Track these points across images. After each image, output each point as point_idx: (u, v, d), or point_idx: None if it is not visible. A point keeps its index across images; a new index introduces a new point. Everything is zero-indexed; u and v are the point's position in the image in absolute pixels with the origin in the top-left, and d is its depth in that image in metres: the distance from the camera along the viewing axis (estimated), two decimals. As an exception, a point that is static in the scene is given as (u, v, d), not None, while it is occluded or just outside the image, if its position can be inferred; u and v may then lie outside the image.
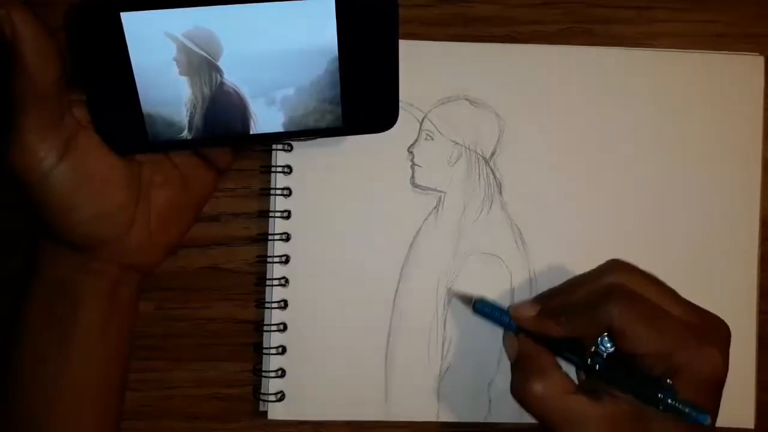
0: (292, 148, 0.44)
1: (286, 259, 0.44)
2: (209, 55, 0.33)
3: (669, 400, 0.35)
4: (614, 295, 0.38)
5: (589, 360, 0.38)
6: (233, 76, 0.34)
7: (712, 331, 0.38)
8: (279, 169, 0.44)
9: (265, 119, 0.35)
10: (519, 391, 0.39)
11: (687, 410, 0.35)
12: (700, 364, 0.36)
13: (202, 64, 0.33)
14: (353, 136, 0.44)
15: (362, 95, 0.36)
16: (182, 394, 0.45)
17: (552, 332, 0.39)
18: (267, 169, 0.45)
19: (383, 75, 0.36)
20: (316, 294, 0.45)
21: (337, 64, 0.34)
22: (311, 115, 0.35)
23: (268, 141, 0.36)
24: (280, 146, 0.44)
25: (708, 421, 0.35)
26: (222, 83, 0.34)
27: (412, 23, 0.46)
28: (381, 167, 0.45)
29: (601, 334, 0.38)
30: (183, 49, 0.33)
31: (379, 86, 0.36)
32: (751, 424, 0.45)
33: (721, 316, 0.39)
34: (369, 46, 0.35)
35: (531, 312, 0.41)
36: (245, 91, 0.34)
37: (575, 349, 0.39)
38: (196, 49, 0.33)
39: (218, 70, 0.34)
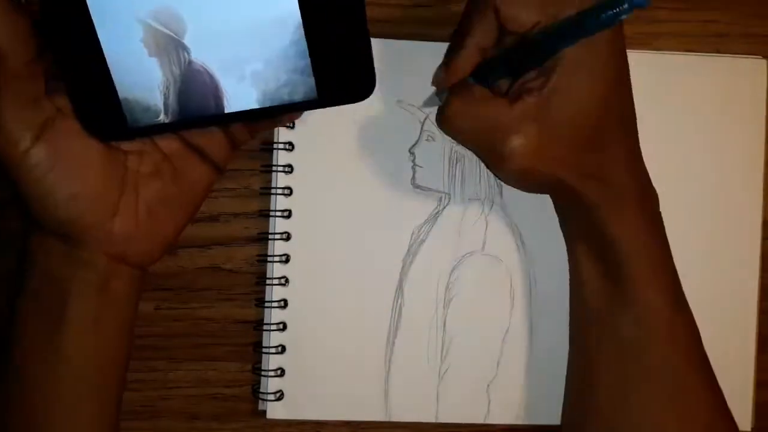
0: (293, 148, 0.44)
1: (286, 259, 0.44)
2: (174, 34, 0.33)
3: (603, 14, 0.33)
4: None
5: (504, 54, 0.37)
6: (200, 54, 0.33)
7: None
8: (280, 168, 0.44)
9: (237, 96, 0.35)
10: (440, 120, 0.39)
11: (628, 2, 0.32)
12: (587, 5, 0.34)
13: (168, 44, 0.33)
14: (355, 135, 0.44)
15: (334, 63, 0.35)
16: (182, 394, 0.45)
17: (465, 66, 0.38)
18: (268, 169, 0.45)
19: (353, 40, 0.34)
20: (316, 293, 0.45)
21: (301, 32, 0.33)
22: (284, 88, 0.34)
23: (245, 119, 0.35)
24: (281, 145, 0.44)
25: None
26: (190, 62, 0.34)
27: (412, 23, 0.45)
28: (382, 167, 0.45)
29: (496, 29, 0.37)
30: (149, 29, 0.33)
31: (350, 52, 0.35)
32: (747, 426, 0.45)
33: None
34: (333, 10, 0.33)
35: (441, 72, 0.40)
36: (214, 68, 0.34)
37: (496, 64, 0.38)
38: (161, 28, 0.33)
39: (185, 49, 0.33)
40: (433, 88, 0.43)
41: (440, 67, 0.40)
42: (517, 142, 0.37)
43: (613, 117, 0.37)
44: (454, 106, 0.38)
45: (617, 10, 0.33)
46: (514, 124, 0.37)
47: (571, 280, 0.42)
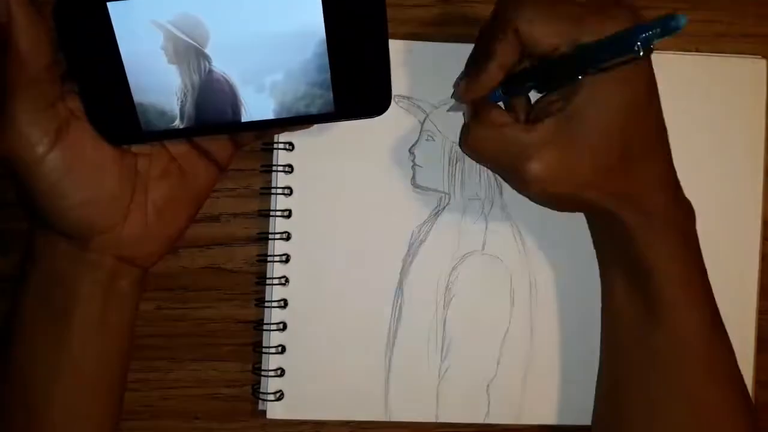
0: (293, 148, 0.44)
1: (286, 259, 0.44)
2: (196, 42, 0.33)
3: (644, 34, 0.31)
4: (511, 4, 0.37)
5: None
6: (221, 63, 0.34)
7: (613, 4, 0.36)
8: (280, 168, 0.44)
9: (255, 106, 0.35)
10: (461, 143, 0.40)
11: (663, 25, 0.31)
12: (607, 31, 0.34)
13: (189, 52, 0.33)
14: (355, 135, 0.44)
15: (353, 78, 0.35)
16: (182, 394, 0.45)
17: (485, 85, 0.39)
18: (268, 169, 0.45)
19: (373, 57, 0.35)
20: (316, 293, 0.45)
21: (324, 47, 0.34)
22: (301, 100, 0.35)
23: (261, 128, 0.35)
24: (281, 145, 0.44)
25: (684, 20, 0.30)
26: (210, 71, 0.34)
27: (412, 23, 0.46)
28: (382, 167, 0.45)
29: (518, 49, 0.37)
30: (170, 36, 0.33)
31: (369, 69, 0.35)
32: (749, 426, 0.45)
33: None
34: (357, 27, 0.34)
35: (464, 85, 0.40)
36: (234, 78, 0.34)
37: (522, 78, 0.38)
38: (183, 37, 0.33)
39: (206, 57, 0.33)
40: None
41: (461, 78, 0.41)
42: (536, 166, 0.37)
43: (640, 141, 0.37)
44: (475, 131, 0.39)
45: (650, 32, 0.31)
46: (533, 148, 0.37)
47: (603, 301, 0.42)
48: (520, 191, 0.39)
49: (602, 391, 0.43)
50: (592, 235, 0.43)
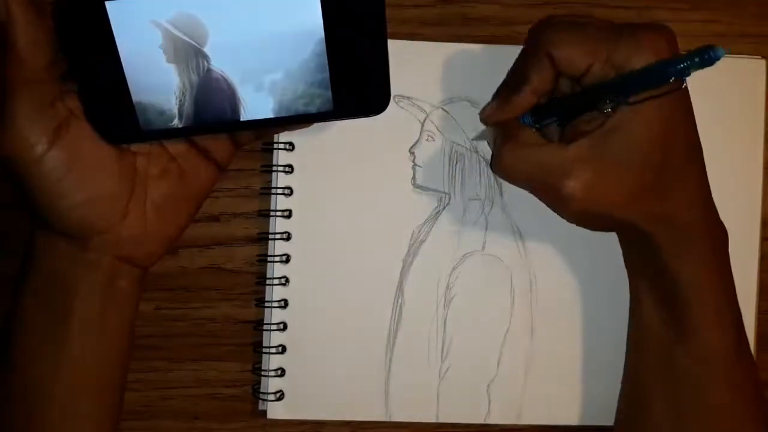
0: (293, 148, 0.44)
1: (286, 259, 0.44)
2: (195, 42, 0.33)
3: (681, 65, 0.33)
4: (543, 30, 0.37)
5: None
6: (220, 62, 0.34)
7: (646, 25, 0.37)
8: (280, 168, 0.44)
9: (254, 105, 0.35)
10: (494, 165, 0.39)
11: (701, 56, 0.32)
12: (641, 50, 0.35)
13: (188, 51, 0.33)
14: (355, 135, 0.44)
15: (352, 77, 0.35)
16: (182, 394, 0.46)
17: (519, 107, 0.39)
18: (268, 169, 0.45)
19: (372, 56, 0.35)
20: (316, 293, 0.45)
21: (323, 46, 0.34)
22: (300, 99, 0.35)
23: (260, 127, 0.35)
24: (281, 145, 0.44)
25: (722, 52, 0.32)
26: (209, 70, 0.34)
27: (412, 23, 0.46)
28: (382, 167, 0.45)
29: (552, 74, 0.37)
30: (169, 36, 0.33)
31: (368, 68, 0.35)
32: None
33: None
34: (356, 26, 0.34)
35: (493, 106, 0.40)
36: (233, 77, 0.34)
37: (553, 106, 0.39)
38: (182, 36, 0.33)
39: (205, 57, 0.34)
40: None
41: (489, 103, 0.41)
42: (572, 185, 0.37)
43: (675, 157, 0.37)
44: (510, 152, 0.38)
45: (687, 63, 0.33)
46: (568, 167, 0.37)
47: (631, 312, 0.42)
48: (556, 210, 0.39)
49: (626, 395, 0.43)
50: (622, 249, 0.42)
